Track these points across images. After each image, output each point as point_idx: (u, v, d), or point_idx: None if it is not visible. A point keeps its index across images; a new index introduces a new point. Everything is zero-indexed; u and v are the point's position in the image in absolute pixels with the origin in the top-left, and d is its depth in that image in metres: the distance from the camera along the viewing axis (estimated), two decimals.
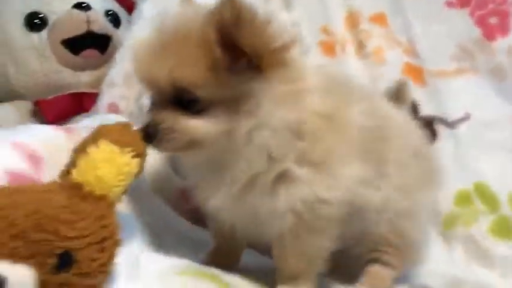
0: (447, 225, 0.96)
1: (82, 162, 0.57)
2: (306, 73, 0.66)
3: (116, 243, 0.55)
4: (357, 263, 0.78)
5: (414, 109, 1.06)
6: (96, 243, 0.52)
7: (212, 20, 0.58)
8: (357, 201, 0.68)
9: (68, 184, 0.56)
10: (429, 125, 1.05)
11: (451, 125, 1.06)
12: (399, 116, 0.82)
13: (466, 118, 1.06)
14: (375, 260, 0.77)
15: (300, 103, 0.63)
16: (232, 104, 0.61)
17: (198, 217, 0.85)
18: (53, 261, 0.49)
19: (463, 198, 0.98)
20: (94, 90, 1.39)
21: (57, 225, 0.50)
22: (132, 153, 0.59)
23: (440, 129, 1.06)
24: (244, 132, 0.62)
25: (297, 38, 0.68)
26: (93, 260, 0.52)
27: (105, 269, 0.54)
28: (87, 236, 0.52)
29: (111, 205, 0.57)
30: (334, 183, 0.64)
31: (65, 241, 0.50)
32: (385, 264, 0.77)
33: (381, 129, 0.73)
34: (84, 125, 1.00)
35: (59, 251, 0.49)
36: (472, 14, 1.17)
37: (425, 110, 1.08)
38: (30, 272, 0.48)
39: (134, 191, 0.73)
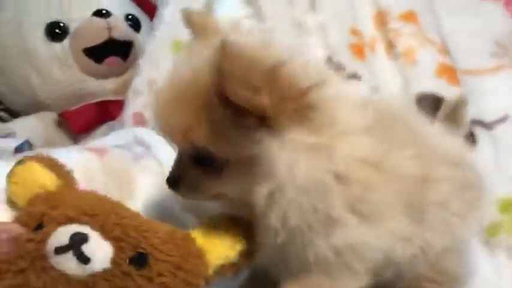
0: (491, 234, 0.93)
1: None
2: (342, 112, 0.58)
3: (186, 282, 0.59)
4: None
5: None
6: (172, 265, 0.58)
7: (211, 71, 0.53)
8: (390, 254, 0.64)
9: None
10: (467, 129, 1.02)
11: (489, 126, 1.02)
12: (448, 147, 0.73)
13: (505, 119, 1.02)
14: None
15: (333, 151, 0.56)
16: (248, 164, 0.56)
17: None
18: (131, 253, 0.56)
19: (506, 206, 0.94)
20: (119, 98, 1.39)
21: (152, 235, 0.59)
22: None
23: (479, 132, 1.02)
24: (263, 195, 0.57)
25: (325, 75, 0.59)
26: (160, 274, 0.57)
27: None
28: (169, 255, 0.59)
29: (204, 259, 0.61)
30: (382, 234, 0.61)
31: (150, 247, 0.58)
32: None
33: (428, 172, 0.66)
34: (113, 144, 0.99)
35: (140, 250, 0.57)
36: (507, 4, 1.12)
37: None
38: (109, 247, 0.56)
39: None
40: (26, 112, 1.42)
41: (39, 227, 0.57)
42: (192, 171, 0.61)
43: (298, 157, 0.55)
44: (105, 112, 1.39)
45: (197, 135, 0.57)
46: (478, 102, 1.04)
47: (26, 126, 1.35)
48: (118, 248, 0.56)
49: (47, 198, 0.61)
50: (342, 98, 0.60)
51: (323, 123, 0.56)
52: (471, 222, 0.74)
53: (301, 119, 0.55)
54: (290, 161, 0.55)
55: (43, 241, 0.55)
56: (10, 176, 0.65)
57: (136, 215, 0.62)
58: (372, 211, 0.59)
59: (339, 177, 0.57)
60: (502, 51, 1.08)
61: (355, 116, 0.59)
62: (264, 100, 0.51)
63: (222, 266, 0.62)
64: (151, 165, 0.96)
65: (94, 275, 0.54)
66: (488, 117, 1.03)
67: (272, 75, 0.51)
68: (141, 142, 1.03)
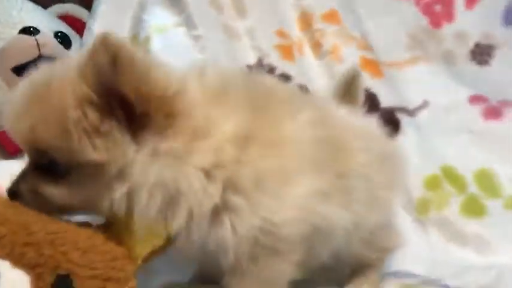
0: (421, 211, 1.00)
1: None
2: (199, 114, 0.56)
3: None
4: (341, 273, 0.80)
5: (373, 101, 1.10)
6: (100, 279, 0.52)
7: (84, 68, 0.52)
8: (319, 220, 0.62)
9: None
10: (391, 116, 1.09)
11: (411, 113, 1.10)
12: (358, 124, 0.77)
13: (425, 105, 1.10)
14: (358, 271, 0.79)
15: (190, 155, 0.56)
16: (100, 168, 0.54)
17: None
18: (51, 279, 0.50)
19: (433, 183, 1.02)
20: None
21: (70, 248, 0.52)
22: None
23: (403, 118, 1.09)
24: (118, 199, 0.55)
25: (182, 88, 0.56)
26: None
27: None
28: (93, 268, 0.52)
29: (131, 256, 0.57)
30: (281, 204, 0.59)
31: (71, 264, 0.51)
32: (368, 273, 0.79)
33: (336, 139, 0.68)
34: None
35: (61, 272, 0.51)
36: (417, 3, 1.21)
37: (386, 102, 1.11)
38: (24, 278, 0.49)
39: None
40: None
41: None
42: (33, 177, 0.58)
43: (154, 158, 0.55)
44: None
45: (38, 136, 0.54)
46: (400, 91, 1.12)
47: None
48: (35, 277, 0.50)
49: None
50: (200, 100, 0.58)
51: (184, 129, 0.56)
52: (397, 193, 0.79)
53: (163, 125, 0.55)
54: (144, 165, 0.55)
55: None
56: None
57: (48, 222, 0.55)
58: (252, 181, 0.57)
59: (206, 172, 0.56)
60: (416, 45, 1.17)
61: (215, 111, 0.58)
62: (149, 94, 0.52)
63: (151, 253, 0.59)
64: None
65: None
66: (411, 105, 1.11)
67: (152, 71, 0.53)
68: None
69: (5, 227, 0.51)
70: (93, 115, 0.53)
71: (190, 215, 0.56)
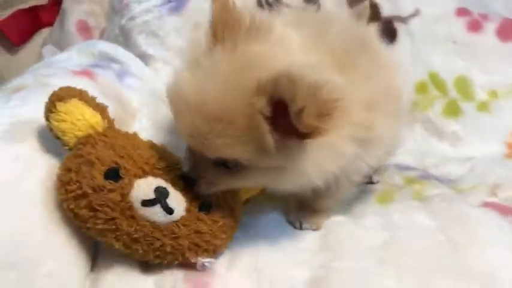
0: (409, 111, 1.19)
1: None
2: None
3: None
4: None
5: (376, 10, 1.21)
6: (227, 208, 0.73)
7: (264, 94, 0.57)
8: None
9: None
10: (390, 25, 1.21)
11: (405, 20, 1.22)
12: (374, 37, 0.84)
13: (416, 13, 1.22)
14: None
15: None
16: (273, 167, 0.65)
17: None
18: (200, 202, 0.70)
19: (421, 88, 1.19)
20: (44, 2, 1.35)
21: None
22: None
23: (398, 27, 1.22)
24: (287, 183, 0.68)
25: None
26: (223, 216, 0.71)
27: None
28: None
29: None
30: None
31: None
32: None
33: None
34: (89, 64, 1.02)
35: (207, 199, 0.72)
36: None
37: (383, 11, 1.22)
38: (182, 198, 0.68)
39: None
40: None
41: (111, 174, 0.64)
42: (211, 170, 0.67)
43: (322, 154, 0.65)
44: (37, 18, 1.34)
45: (227, 155, 0.63)
46: (396, 1, 1.23)
47: None
48: (189, 199, 0.68)
49: (105, 142, 0.68)
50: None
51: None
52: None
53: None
54: (317, 161, 0.65)
55: (127, 193, 0.63)
56: (53, 112, 0.67)
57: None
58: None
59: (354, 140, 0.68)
60: None
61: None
62: (328, 125, 0.58)
63: (248, 198, 0.78)
64: (132, 82, 1.03)
65: (175, 222, 0.65)
66: (404, 13, 1.23)
67: (325, 103, 0.56)
68: (112, 59, 1.07)
69: (156, 158, 0.70)
70: (269, 130, 0.59)
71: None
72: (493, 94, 1.18)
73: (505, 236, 0.75)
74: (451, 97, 1.19)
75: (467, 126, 1.16)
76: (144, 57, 1.14)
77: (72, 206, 0.63)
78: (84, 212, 0.63)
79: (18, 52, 1.37)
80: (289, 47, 0.66)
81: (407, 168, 1.05)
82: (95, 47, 1.10)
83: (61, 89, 0.70)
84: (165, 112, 0.99)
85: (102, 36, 1.29)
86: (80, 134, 0.69)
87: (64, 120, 0.68)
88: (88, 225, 0.64)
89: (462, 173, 1.04)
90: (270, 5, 1.18)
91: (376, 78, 0.73)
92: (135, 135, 0.74)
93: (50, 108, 0.68)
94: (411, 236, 0.75)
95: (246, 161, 0.63)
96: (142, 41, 1.16)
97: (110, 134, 0.70)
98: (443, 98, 1.19)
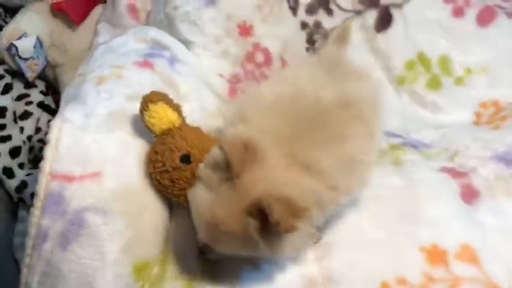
0: (398, 83, 1.42)
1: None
2: None
3: None
4: None
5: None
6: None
7: (252, 215, 0.79)
8: None
9: None
10: (387, 11, 1.45)
11: (399, 6, 1.45)
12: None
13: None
14: None
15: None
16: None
17: None
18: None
19: (410, 65, 1.43)
20: None
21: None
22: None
23: (394, 12, 1.45)
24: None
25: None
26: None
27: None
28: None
29: None
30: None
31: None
32: None
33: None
34: (145, 53, 1.25)
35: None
36: None
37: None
38: None
39: None
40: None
41: (185, 159, 0.93)
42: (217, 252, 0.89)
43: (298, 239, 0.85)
44: None
45: (230, 251, 0.86)
46: None
47: (29, 23, 1.52)
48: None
49: (181, 135, 0.95)
50: None
51: None
52: None
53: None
54: (293, 244, 0.85)
55: (194, 173, 0.90)
56: (146, 110, 0.95)
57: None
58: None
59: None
60: None
61: None
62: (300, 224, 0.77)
63: None
64: (181, 67, 1.28)
65: None
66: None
67: (296, 212, 0.77)
68: (163, 46, 1.30)
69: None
70: (260, 237, 0.81)
71: None
72: (468, 71, 1.42)
73: (452, 194, 1.06)
74: (434, 73, 1.43)
75: (446, 97, 1.40)
76: (186, 43, 1.39)
77: (158, 178, 0.95)
78: (166, 182, 0.95)
79: (77, 28, 1.62)
80: (270, 167, 0.84)
81: (393, 135, 1.33)
82: (147, 34, 1.32)
83: (152, 93, 0.98)
84: (208, 95, 1.27)
85: (148, 17, 1.51)
86: (164, 127, 0.98)
87: (154, 117, 0.97)
88: (168, 190, 0.96)
89: (436, 138, 1.31)
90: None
91: (339, 151, 0.90)
92: (198, 128, 1.02)
93: (144, 107, 0.96)
94: (384, 193, 1.07)
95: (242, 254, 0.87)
96: (184, 29, 1.39)
97: (184, 128, 0.99)
98: (427, 73, 1.42)
